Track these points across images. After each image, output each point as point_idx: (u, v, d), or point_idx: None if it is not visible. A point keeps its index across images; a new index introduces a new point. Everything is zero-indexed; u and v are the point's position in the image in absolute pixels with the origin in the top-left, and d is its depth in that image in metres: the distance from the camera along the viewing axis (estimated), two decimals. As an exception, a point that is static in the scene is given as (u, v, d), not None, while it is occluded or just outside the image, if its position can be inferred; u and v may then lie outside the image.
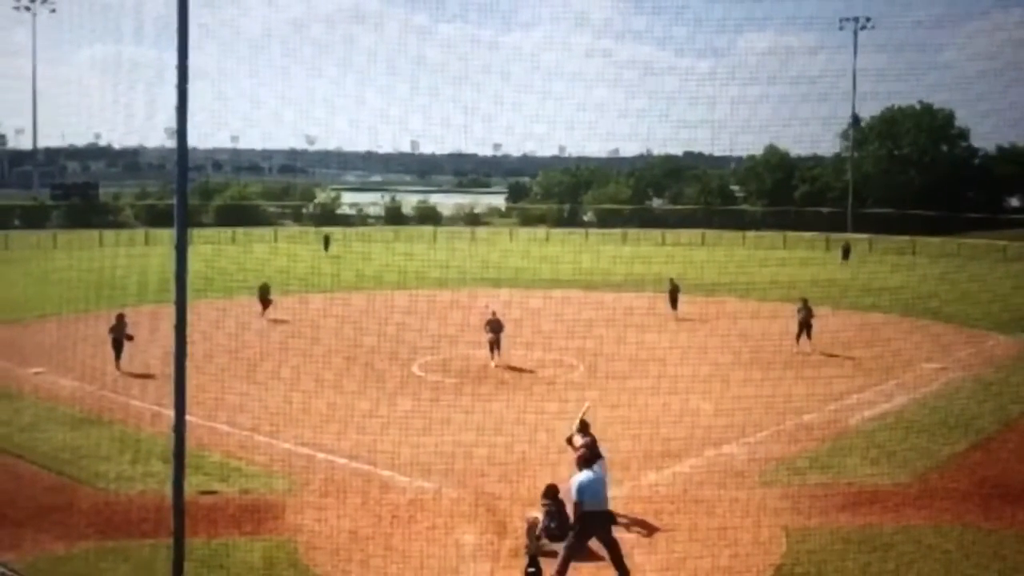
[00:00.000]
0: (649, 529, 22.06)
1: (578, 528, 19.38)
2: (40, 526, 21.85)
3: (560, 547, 19.58)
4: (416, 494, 24.24)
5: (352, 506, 23.33)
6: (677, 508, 23.36)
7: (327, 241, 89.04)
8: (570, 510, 20.02)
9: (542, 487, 22.05)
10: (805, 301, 42.95)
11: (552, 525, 20.46)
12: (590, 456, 20.47)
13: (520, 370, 38.90)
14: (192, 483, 21.30)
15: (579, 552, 19.45)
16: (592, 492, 19.30)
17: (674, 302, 53.02)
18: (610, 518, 19.69)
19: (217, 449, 27.47)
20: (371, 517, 22.75)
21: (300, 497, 23.97)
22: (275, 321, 49.11)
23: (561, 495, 20.79)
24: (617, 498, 23.29)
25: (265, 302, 51.62)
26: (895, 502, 23.85)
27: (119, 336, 37.93)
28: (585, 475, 19.53)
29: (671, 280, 54.29)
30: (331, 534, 21.54)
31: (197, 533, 20.07)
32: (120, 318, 38.51)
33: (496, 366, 39.26)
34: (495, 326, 40.12)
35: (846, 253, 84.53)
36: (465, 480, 24.92)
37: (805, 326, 42.12)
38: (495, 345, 39.83)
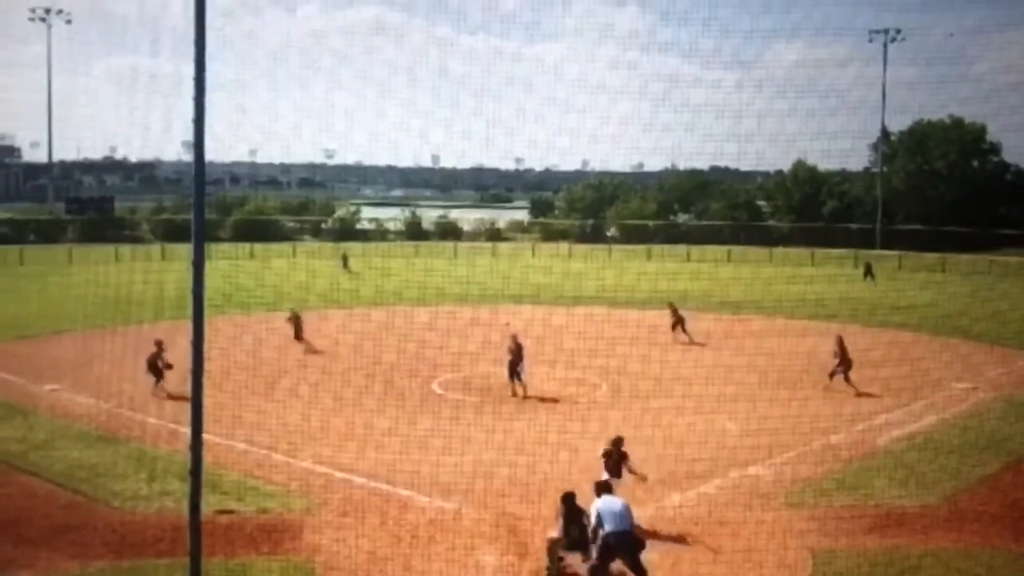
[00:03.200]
0: (674, 551, 21.80)
1: (600, 552, 19.25)
2: (55, 545, 21.78)
3: (576, 560, 19.87)
4: (436, 514, 24.03)
5: (371, 526, 23.15)
6: (702, 530, 23.15)
7: (345, 260, 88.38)
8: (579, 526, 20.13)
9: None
10: (840, 339, 39.36)
11: (573, 531, 20.21)
12: (614, 466, 21.90)
13: (542, 389, 38.47)
14: (209, 502, 21.29)
15: (601, 574, 19.34)
16: (612, 516, 19.30)
17: (679, 323, 51.35)
18: (634, 541, 19.52)
19: (235, 468, 27.31)
20: (390, 537, 22.57)
21: (318, 517, 23.80)
22: (312, 352, 46.68)
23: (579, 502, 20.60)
24: (641, 519, 23.03)
25: (298, 330, 48.69)
26: (923, 524, 23.61)
27: (156, 361, 37.25)
28: (604, 500, 19.80)
29: (670, 304, 52.93)
30: (350, 554, 21.40)
31: (214, 553, 20.03)
32: (159, 344, 37.45)
33: (522, 397, 37.28)
34: (516, 353, 37.73)
35: (868, 271, 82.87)
36: (486, 500, 24.69)
37: (845, 365, 38.56)
38: (516, 374, 37.59)
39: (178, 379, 36.19)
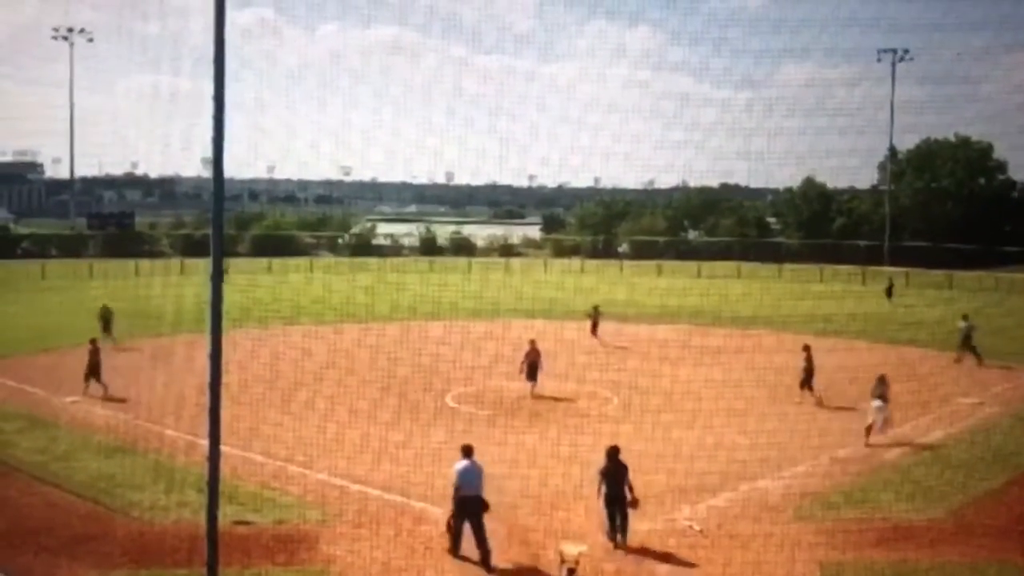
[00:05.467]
0: (683, 563, 22.05)
1: (456, 509, 22.39)
2: (75, 555, 22.04)
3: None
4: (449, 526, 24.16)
5: (385, 537, 23.40)
6: (711, 542, 23.34)
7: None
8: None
9: (575, 520, 22.57)
10: (807, 347, 40.10)
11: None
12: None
13: (554, 402, 38.80)
14: (226, 513, 21.49)
15: (459, 529, 22.39)
16: (466, 481, 22.30)
17: (594, 328, 55.86)
18: (481, 504, 22.30)
19: (251, 479, 27.60)
20: (404, 548, 22.82)
21: (334, 528, 24.06)
22: (119, 349, 47.87)
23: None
24: (651, 532, 23.44)
25: (106, 324, 51.20)
26: (930, 538, 23.75)
27: (95, 359, 39.16)
28: (463, 464, 22.65)
29: (595, 307, 57.27)
30: (364, 565, 21.67)
31: (231, 563, 20.22)
32: (93, 342, 39.95)
33: (533, 396, 39.53)
34: (532, 357, 40.31)
35: (889, 290, 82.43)
36: (498, 512, 24.81)
37: (809, 373, 39.35)
38: (532, 375, 40.06)
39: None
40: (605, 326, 57.14)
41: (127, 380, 38.45)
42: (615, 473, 23.14)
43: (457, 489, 22.38)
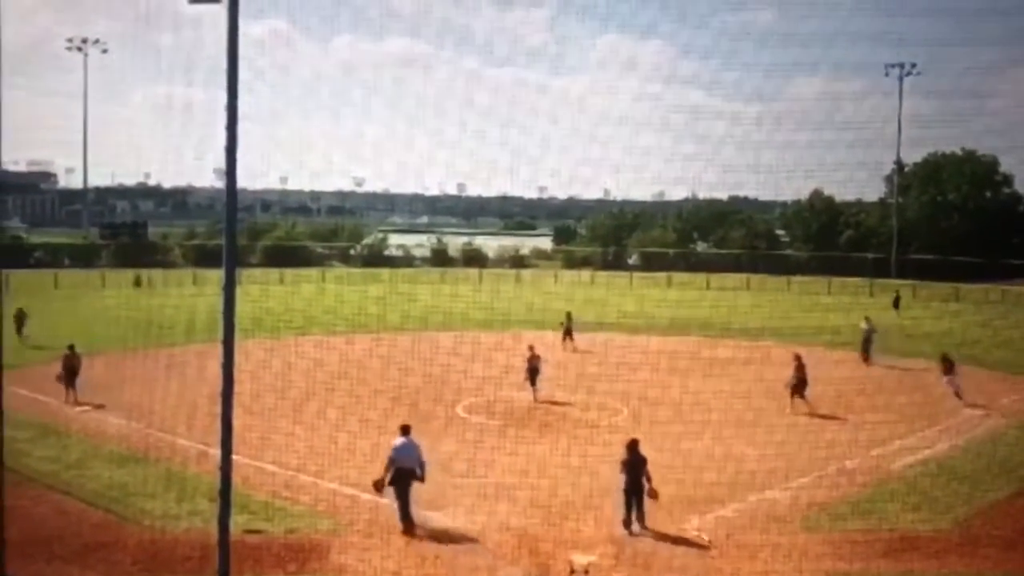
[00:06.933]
0: (691, 573, 22.14)
1: (392, 480, 24.73)
2: (86, 563, 22.22)
3: None
4: (459, 535, 24.34)
5: (396, 547, 23.50)
6: (720, 552, 23.46)
7: (138, 279, 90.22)
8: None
9: (585, 530, 22.74)
10: (798, 356, 40.73)
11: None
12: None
13: (564, 413, 38.95)
14: (238, 522, 21.60)
15: (403, 500, 24.67)
16: (403, 454, 24.75)
17: (567, 334, 56.97)
18: (413, 475, 24.72)
19: (263, 488, 27.70)
20: (415, 558, 22.91)
21: (344, 537, 24.18)
22: (36, 348, 49.22)
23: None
24: (660, 541, 23.58)
25: (19, 325, 53.18)
26: (936, 549, 23.83)
27: (73, 365, 39.95)
28: (400, 441, 25.02)
29: (567, 314, 58.01)
30: (375, 574, 21.77)
31: (242, 572, 20.42)
32: (71, 348, 40.60)
33: (537, 401, 40.60)
34: (534, 362, 41.79)
35: (897, 304, 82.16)
36: (508, 522, 25.04)
37: (800, 382, 39.76)
38: (532, 381, 41.47)
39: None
40: (616, 337, 57.30)
41: (141, 389, 38.55)
42: (635, 465, 24.77)
43: (392, 461, 24.70)
